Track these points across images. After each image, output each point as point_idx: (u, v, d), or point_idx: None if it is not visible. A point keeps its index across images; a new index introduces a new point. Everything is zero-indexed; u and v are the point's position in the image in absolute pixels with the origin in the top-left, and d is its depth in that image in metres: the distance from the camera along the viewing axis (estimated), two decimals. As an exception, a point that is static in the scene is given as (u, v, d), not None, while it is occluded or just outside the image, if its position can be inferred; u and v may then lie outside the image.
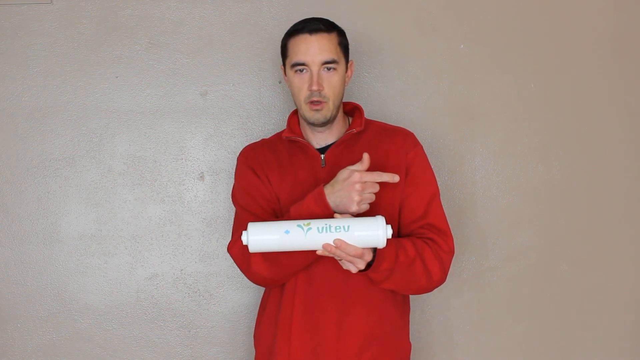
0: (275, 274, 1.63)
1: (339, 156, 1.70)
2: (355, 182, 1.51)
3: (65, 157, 2.06)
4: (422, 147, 1.74)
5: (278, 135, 1.81)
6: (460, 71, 2.10)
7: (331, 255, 1.48)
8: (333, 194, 1.54)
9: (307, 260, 1.61)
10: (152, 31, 2.06)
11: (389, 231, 1.46)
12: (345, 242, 1.45)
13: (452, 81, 2.10)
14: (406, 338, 1.75)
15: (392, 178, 1.53)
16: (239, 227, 1.71)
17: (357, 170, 1.52)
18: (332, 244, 1.45)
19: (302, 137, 1.73)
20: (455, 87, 2.10)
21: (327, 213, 1.54)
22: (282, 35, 1.70)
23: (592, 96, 2.13)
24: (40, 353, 2.06)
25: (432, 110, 2.10)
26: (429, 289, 1.66)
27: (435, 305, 2.11)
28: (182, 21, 2.06)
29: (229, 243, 1.70)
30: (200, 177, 2.07)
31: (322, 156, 1.70)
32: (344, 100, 1.78)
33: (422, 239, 1.65)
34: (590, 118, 2.13)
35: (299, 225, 1.46)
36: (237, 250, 1.66)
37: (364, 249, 1.48)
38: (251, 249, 1.48)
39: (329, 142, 1.73)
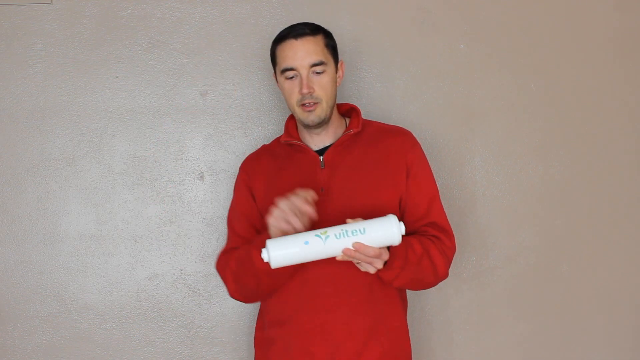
0: (246, 297, 1.72)
1: (338, 157, 1.72)
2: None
3: (65, 157, 2.06)
4: (420, 146, 1.77)
5: (277, 140, 1.83)
6: (460, 71, 2.10)
7: (350, 259, 1.50)
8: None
9: (275, 283, 1.65)
10: (152, 31, 2.06)
11: (402, 228, 1.49)
12: (364, 245, 1.47)
13: (452, 81, 2.10)
14: (407, 336, 1.75)
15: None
16: (228, 244, 1.79)
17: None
18: (351, 248, 1.47)
19: (300, 140, 1.75)
20: (455, 87, 2.10)
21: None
22: (282, 36, 1.70)
23: (592, 96, 2.13)
24: (40, 353, 2.06)
25: (432, 110, 2.10)
26: (434, 284, 1.71)
27: (435, 304, 2.11)
28: (182, 21, 2.06)
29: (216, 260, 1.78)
30: (200, 177, 2.07)
31: (321, 158, 1.72)
32: (339, 101, 1.79)
33: (426, 236, 1.68)
34: (590, 118, 2.13)
35: (317, 235, 1.47)
36: (219, 267, 1.75)
37: (380, 248, 1.50)
38: (273, 265, 1.49)
39: (327, 144, 1.75)
